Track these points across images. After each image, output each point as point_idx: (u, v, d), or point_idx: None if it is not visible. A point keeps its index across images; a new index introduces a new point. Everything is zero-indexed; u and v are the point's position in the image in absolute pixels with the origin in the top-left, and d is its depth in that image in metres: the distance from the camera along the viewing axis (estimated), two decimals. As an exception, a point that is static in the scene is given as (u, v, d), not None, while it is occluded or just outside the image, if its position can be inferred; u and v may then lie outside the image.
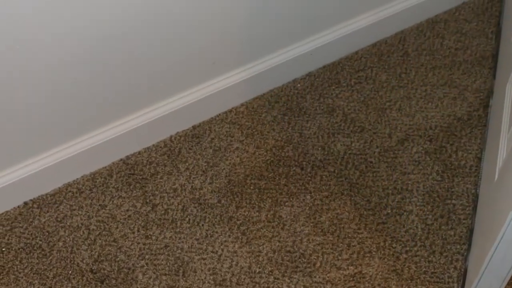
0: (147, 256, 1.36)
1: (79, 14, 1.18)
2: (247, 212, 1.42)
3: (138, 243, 1.37)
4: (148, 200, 1.43)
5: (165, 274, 1.33)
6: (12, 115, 1.26)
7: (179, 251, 1.36)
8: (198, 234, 1.39)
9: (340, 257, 1.35)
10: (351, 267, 1.32)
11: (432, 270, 1.31)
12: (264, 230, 1.39)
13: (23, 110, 1.28)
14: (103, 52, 1.27)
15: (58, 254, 1.35)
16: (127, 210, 1.42)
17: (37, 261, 1.35)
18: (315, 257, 1.35)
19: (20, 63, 1.20)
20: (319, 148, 1.52)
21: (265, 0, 1.42)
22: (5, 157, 1.33)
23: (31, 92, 1.26)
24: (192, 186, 1.46)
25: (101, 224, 1.40)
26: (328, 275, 1.31)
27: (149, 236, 1.38)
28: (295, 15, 1.51)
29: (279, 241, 1.37)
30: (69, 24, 1.19)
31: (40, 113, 1.30)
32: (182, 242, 1.37)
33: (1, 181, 1.36)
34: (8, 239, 1.37)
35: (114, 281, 1.31)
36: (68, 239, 1.38)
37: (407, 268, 1.31)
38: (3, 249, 1.35)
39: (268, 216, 1.41)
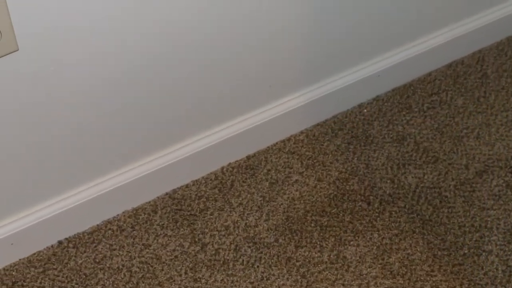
0: (195, 302, 1.32)
1: (126, 28, 1.15)
2: (307, 252, 1.37)
3: (186, 286, 1.33)
4: (197, 239, 1.39)
5: (215, 323, 1.28)
6: (44, 143, 1.23)
7: (231, 296, 1.32)
8: (252, 277, 1.34)
9: (412, 304, 1.30)
10: (426, 316, 1.26)
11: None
12: (327, 272, 1.35)
13: (58, 137, 1.24)
14: (148, 73, 1.24)
15: (96, 299, 1.33)
16: (174, 250, 1.38)
17: (74, 307, 1.33)
18: (384, 304, 1.30)
19: (56, 85, 1.15)
20: (388, 181, 1.47)
21: (326, 17, 1.39)
22: (37, 191, 1.30)
23: (67, 117, 1.22)
24: (246, 224, 1.41)
25: (145, 266, 1.36)
26: (399, 325, 1.25)
27: (198, 279, 1.34)
28: (360, 32, 1.47)
29: (343, 285, 1.33)
30: (115, 40, 1.15)
31: (77, 142, 1.26)
32: (235, 285, 1.33)
33: (33, 217, 1.32)
34: (40, 283, 1.34)
35: (157, 330, 1.27)
36: (108, 283, 1.34)
37: (488, 317, 1.25)
38: (37, 293, 1.32)
39: (331, 256, 1.37)
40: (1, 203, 1.27)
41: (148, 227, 1.41)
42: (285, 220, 1.42)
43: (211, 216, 1.42)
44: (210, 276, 1.35)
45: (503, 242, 1.38)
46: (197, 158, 1.42)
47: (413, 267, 1.35)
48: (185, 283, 1.34)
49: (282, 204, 1.44)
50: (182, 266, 1.36)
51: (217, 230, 1.40)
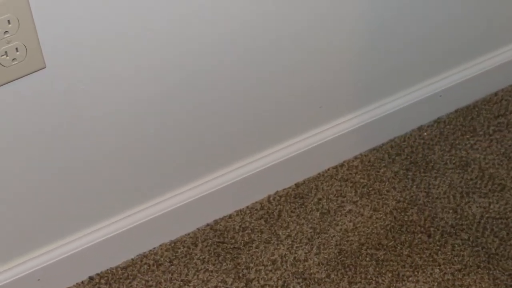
0: None
1: (166, 43, 1.14)
2: (362, 290, 1.36)
3: (229, 327, 1.34)
4: (241, 275, 1.39)
5: None
6: (73, 169, 1.22)
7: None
8: (302, 317, 1.34)
9: None
10: None
11: None
12: (384, 312, 1.34)
13: (88, 163, 1.23)
14: (189, 92, 1.24)
15: None
16: (216, 287, 1.38)
17: None
18: None
19: (87, 105, 1.15)
20: (450, 211, 1.46)
21: (383, 33, 1.37)
22: (66, 222, 1.29)
23: (98, 141, 1.22)
24: (294, 258, 1.40)
25: (184, 304, 1.36)
26: None
27: (242, 319, 1.34)
28: (420, 49, 1.46)
29: (402, 326, 1.33)
30: (153, 56, 1.15)
31: (108, 168, 1.26)
32: (282, 326, 1.33)
33: (62, 251, 1.31)
34: (70, 322, 1.34)
35: None
36: (143, 322, 1.34)
37: None
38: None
39: (388, 294, 1.35)
40: (27, 235, 1.28)
41: (187, 261, 1.41)
42: (337, 254, 1.41)
43: (257, 250, 1.42)
44: (255, 316, 1.34)
45: None
46: (241, 186, 1.43)
47: (479, 306, 1.34)
48: (228, 323, 1.35)
49: (334, 236, 1.43)
50: (225, 305, 1.37)
51: (263, 265, 1.40)
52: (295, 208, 1.46)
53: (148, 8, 1.09)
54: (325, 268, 1.39)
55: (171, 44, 1.16)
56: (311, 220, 1.45)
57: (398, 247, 1.41)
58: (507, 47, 1.59)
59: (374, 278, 1.38)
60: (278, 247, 1.41)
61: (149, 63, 1.17)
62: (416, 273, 1.38)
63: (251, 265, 1.39)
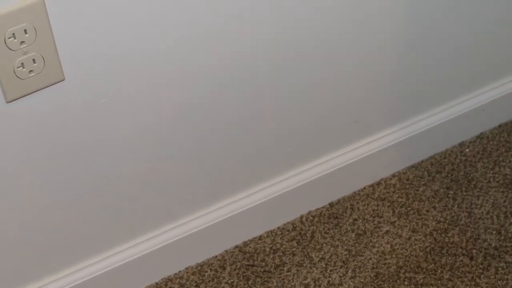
0: None
1: (195, 53, 1.14)
2: (401, 316, 1.35)
3: None
4: None
5: None
6: (92, 188, 1.22)
7: None
8: None
9: None
10: None
11: None
12: None
13: (108, 182, 1.23)
14: (217, 107, 1.24)
15: None
16: None
17: None
18: None
19: (108, 121, 1.14)
20: (494, 232, 1.45)
21: (423, 42, 1.37)
22: (86, 244, 1.28)
23: (120, 159, 1.21)
24: (328, 282, 1.40)
25: (211, 331, 1.35)
26: None
27: None
28: (461, 61, 1.45)
29: None
30: (180, 67, 1.15)
31: (130, 188, 1.25)
32: None
33: (83, 273, 1.31)
34: None
35: None
36: None
37: None
38: None
39: (429, 321, 1.34)
40: (44, 259, 1.27)
41: (215, 285, 1.41)
42: (374, 278, 1.40)
43: (288, 273, 1.41)
44: None
45: None
46: (271, 206, 1.43)
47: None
48: None
49: (370, 258, 1.42)
50: (255, 332, 1.36)
51: (295, 289, 1.40)
52: (329, 229, 1.46)
53: (174, 22, 1.10)
54: (361, 293, 1.39)
55: (199, 56, 1.16)
56: (346, 242, 1.44)
57: (439, 271, 1.40)
58: (554, 59, 1.58)
59: (413, 303, 1.40)
60: (311, 271, 1.41)
61: (175, 77, 1.17)
62: (457, 298, 1.41)
63: (283, 289, 1.40)
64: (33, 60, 0.98)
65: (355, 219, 1.47)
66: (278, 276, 1.40)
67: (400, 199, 1.49)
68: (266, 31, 1.19)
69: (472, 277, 1.38)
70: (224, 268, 1.41)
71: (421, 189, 1.50)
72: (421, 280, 1.38)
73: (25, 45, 0.97)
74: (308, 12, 1.20)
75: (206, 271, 1.41)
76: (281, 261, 1.41)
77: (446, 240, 1.43)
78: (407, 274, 1.39)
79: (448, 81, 1.47)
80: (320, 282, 1.39)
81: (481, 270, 1.39)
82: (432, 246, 1.42)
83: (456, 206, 1.48)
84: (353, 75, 1.35)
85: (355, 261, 1.41)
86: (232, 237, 1.42)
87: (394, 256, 1.41)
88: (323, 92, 1.34)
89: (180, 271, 1.40)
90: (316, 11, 1.21)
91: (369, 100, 1.41)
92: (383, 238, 1.43)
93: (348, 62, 1.32)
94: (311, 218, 1.47)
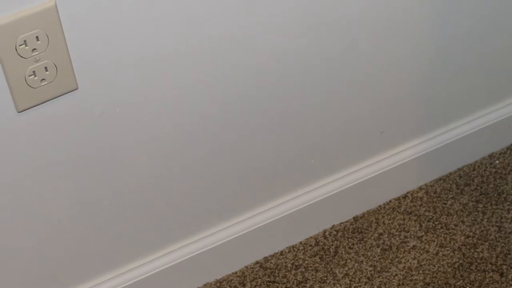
0: None
1: (213, 60, 1.14)
2: (428, 336, 1.34)
3: None
4: None
5: None
6: (106, 201, 1.21)
7: None
8: None
9: None
10: None
11: None
12: None
13: (123, 195, 1.22)
14: (238, 116, 1.23)
15: None
16: None
17: None
18: None
19: (123, 130, 1.14)
20: None
21: (450, 51, 1.37)
22: (101, 260, 1.28)
23: (134, 171, 1.21)
24: None
25: None
26: None
27: None
28: (490, 70, 1.45)
29: None
30: (199, 75, 1.15)
31: (145, 201, 1.25)
32: None
33: None
34: None
35: None
36: None
37: None
38: None
39: None
40: (59, 274, 1.26)
41: None
42: None
43: None
44: None
45: None
46: (293, 220, 1.42)
47: None
48: None
49: (396, 275, 1.41)
50: None
51: (318, 307, 1.39)
52: (353, 244, 1.45)
53: (190, 28, 1.09)
54: (386, 311, 1.38)
55: (218, 63, 1.16)
56: (371, 257, 1.43)
57: (467, 287, 1.39)
58: None
59: (440, 322, 1.38)
60: (335, 287, 1.41)
61: (192, 86, 1.16)
62: (487, 316, 1.39)
63: (305, 307, 1.39)
64: (45, 68, 0.97)
65: (381, 234, 1.46)
66: (300, 293, 1.40)
67: (427, 213, 1.48)
68: (292, 38, 1.19)
69: (503, 294, 1.39)
70: (244, 285, 1.42)
71: (449, 202, 1.50)
72: (449, 298, 1.37)
73: (37, 53, 0.96)
74: (334, 20, 1.20)
75: (225, 288, 1.42)
76: (303, 278, 1.41)
77: (475, 256, 1.42)
78: (435, 291, 1.39)
79: (477, 91, 1.47)
80: (344, 299, 1.38)
81: (511, 287, 1.37)
82: (460, 262, 1.41)
83: (485, 220, 1.47)
84: (379, 84, 1.35)
85: (381, 277, 1.40)
86: (253, 252, 1.42)
87: (421, 272, 1.40)
88: (347, 101, 1.34)
89: (198, 288, 1.42)
90: (343, 18, 1.21)
91: (395, 110, 1.41)
92: (409, 253, 1.42)
93: (374, 71, 1.32)
94: (334, 232, 1.46)
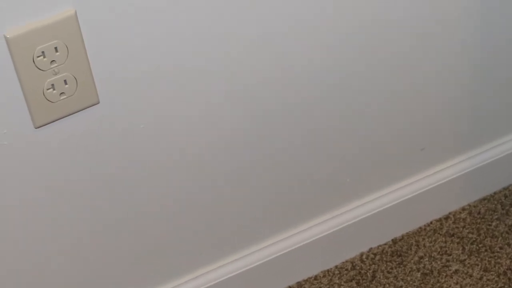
0: None
1: (248, 70, 1.13)
2: None
3: None
4: None
5: None
6: (128, 220, 1.21)
7: None
8: None
9: None
10: None
11: None
12: None
13: (147, 216, 1.21)
14: (277, 132, 1.23)
15: None
16: None
17: None
18: None
19: (148, 147, 1.14)
20: None
21: (496, 60, 1.36)
22: (122, 281, 1.27)
23: (161, 190, 1.20)
24: None
25: None
26: None
27: None
28: None
29: None
30: (231, 87, 1.14)
31: (172, 223, 1.25)
32: None
33: None
34: None
35: None
36: None
37: None
38: None
39: None
40: None
41: None
42: None
43: None
44: None
45: None
46: (328, 242, 1.42)
47: None
48: None
49: None
50: None
51: (355, 336, 1.38)
52: (392, 268, 1.45)
53: (218, 40, 1.09)
54: None
55: (251, 75, 1.15)
56: (411, 282, 1.43)
57: None
58: None
59: None
60: None
61: (220, 101, 1.16)
62: None
63: (341, 335, 1.38)
64: (65, 81, 0.96)
65: (421, 257, 1.45)
66: (336, 319, 1.39)
67: (470, 235, 1.47)
68: (325, 49, 1.19)
69: (551, 322, 1.34)
70: (278, 312, 1.39)
71: (494, 223, 1.49)
72: (494, 325, 1.35)
73: (55, 65, 0.95)
74: (372, 31, 1.20)
75: (258, 315, 1.40)
76: (339, 303, 1.42)
77: (522, 281, 1.41)
78: (478, 318, 1.36)
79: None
80: (383, 326, 1.38)
81: (559, 314, 1.35)
82: (506, 287, 1.41)
83: (532, 242, 1.47)
84: (419, 98, 1.34)
85: (421, 303, 1.40)
86: (285, 276, 1.42)
87: (464, 298, 1.40)
88: (386, 116, 1.34)
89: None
90: (380, 29, 1.22)
91: (437, 125, 1.40)
92: (451, 278, 1.42)
93: (414, 84, 1.32)
94: (372, 255, 1.46)
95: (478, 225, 1.49)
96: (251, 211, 1.31)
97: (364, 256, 1.45)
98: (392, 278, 1.42)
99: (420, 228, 1.49)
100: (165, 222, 1.25)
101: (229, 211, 1.29)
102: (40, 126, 0.99)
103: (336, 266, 1.44)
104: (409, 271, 1.43)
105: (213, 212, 1.28)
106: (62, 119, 1.02)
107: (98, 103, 1.02)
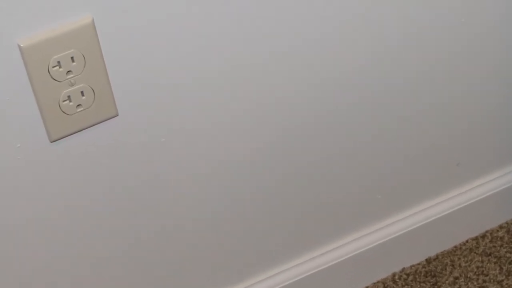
0: None
1: (277, 79, 1.12)
2: None
3: None
4: None
5: None
6: (155, 241, 1.19)
7: None
8: None
9: None
10: None
11: None
12: None
13: (170, 234, 1.20)
14: (290, 149, 1.21)
15: None
16: None
17: None
18: None
19: (168, 161, 1.12)
20: None
21: None
22: None
23: (181, 208, 1.19)
24: None
25: None
26: None
27: None
28: None
29: None
30: (264, 98, 1.14)
31: (191, 241, 1.24)
32: None
33: None
34: None
35: None
36: None
37: None
38: None
39: None
40: None
41: None
42: None
43: None
44: None
45: None
46: (358, 262, 1.41)
47: None
48: None
49: None
50: None
51: None
52: None
53: (242, 51, 1.08)
54: None
55: (278, 88, 1.14)
56: None
57: None
58: None
59: None
60: None
61: (246, 114, 1.15)
62: None
63: None
64: (82, 92, 0.96)
65: (456, 278, 1.44)
66: None
67: (508, 254, 1.46)
68: (364, 60, 1.19)
69: None
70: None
71: None
72: None
73: (72, 75, 0.94)
74: (411, 43, 1.20)
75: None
76: (370, 327, 1.39)
77: None
78: None
79: None
80: None
81: None
82: None
83: None
84: (454, 111, 1.33)
85: (457, 327, 1.38)
86: None
87: (502, 321, 1.38)
88: (420, 130, 1.33)
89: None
90: (418, 43, 1.20)
91: (473, 139, 1.40)
92: None
93: (449, 97, 1.31)
94: (405, 276, 1.45)
95: (516, 244, 1.48)
96: (277, 230, 1.31)
97: (396, 277, 1.45)
98: (426, 300, 1.42)
99: (456, 247, 1.47)
100: (187, 241, 1.23)
101: (254, 231, 1.29)
102: (56, 140, 0.99)
103: (367, 287, 1.44)
104: (444, 292, 1.43)
105: (236, 232, 1.27)
106: (79, 132, 1.01)
107: (116, 115, 1.01)
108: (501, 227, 1.50)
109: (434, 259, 1.46)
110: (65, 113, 0.96)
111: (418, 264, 1.46)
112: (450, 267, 1.45)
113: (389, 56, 1.21)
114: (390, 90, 1.25)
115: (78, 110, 0.96)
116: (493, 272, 1.44)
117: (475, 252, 1.47)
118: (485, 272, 1.44)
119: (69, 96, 0.94)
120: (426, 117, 1.32)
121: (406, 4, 1.18)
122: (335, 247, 1.38)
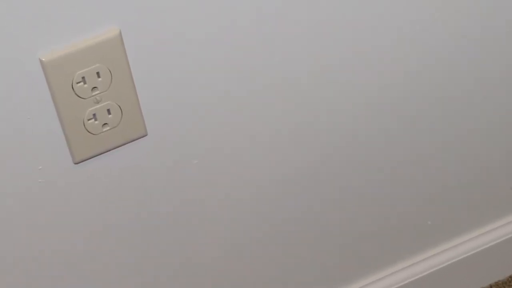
0: None
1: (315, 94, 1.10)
2: None
3: None
4: None
5: None
6: (192, 267, 1.17)
7: None
8: None
9: None
10: None
11: None
12: None
13: (217, 261, 1.18)
14: (332, 170, 1.19)
15: None
16: None
17: None
18: None
19: (202, 185, 1.11)
20: None
21: None
22: None
23: (217, 234, 1.16)
24: None
25: None
26: None
27: None
28: None
29: None
30: (302, 119, 1.12)
31: (239, 272, 1.21)
32: None
33: None
34: None
35: None
36: None
37: None
38: None
39: None
40: None
41: None
42: None
43: None
44: None
45: None
46: (436, 278, 1.39)
47: None
48: None
49: None
50: None
51: None
52: None
53: (275, 69, 1.06)
54: None
55: (318, 107, 1.12)
56: None
57: None
58: None
59: None
60: None
61: (286, 133, 1.13)
62: None
63: None
64: (108, 110, 0.94)
65: None
66: None
67: None
68: (408, 78, 1.17)
69: None
70: None
71: None
72: None
73: (97, 92, 0.92)
74: (449, 64, 1.18)
75: None
76: None
77: None
78: None
79: None
80: None
81: None
82: None
83: None
84: (506, 129, 1.31)
85: None
86: None
87: None
88: (472, 149, 1.31)
89: None
90: (462, 60, 1.18)
91: None
92: None
93: (504, 112, 1.29)
94: None
95: None
96: (325, 257, 1.30)
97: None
98: None
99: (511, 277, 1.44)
100: (219, 272, 1.21)
101: (292, 258, 1.26)
102: (80, 162, 0.97)
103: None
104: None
105: (273, 260, 1.25)
106: (105, 153, 0.99)
107: (145, 135, 0.99)
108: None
109: (494, 288, 1.41)
110: (90, 132, 0.94)
111: (504, 279, 1.44)
112: (505, 298, 1.38)
113: (436, 77, 1.17)
114: (448, 112, 1.23)
115: (104, 129, 0.95)
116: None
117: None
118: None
119: (94, 115, 0.93)
120: (480, 137, 1.30)
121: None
122: (410, 264, 1.36)
